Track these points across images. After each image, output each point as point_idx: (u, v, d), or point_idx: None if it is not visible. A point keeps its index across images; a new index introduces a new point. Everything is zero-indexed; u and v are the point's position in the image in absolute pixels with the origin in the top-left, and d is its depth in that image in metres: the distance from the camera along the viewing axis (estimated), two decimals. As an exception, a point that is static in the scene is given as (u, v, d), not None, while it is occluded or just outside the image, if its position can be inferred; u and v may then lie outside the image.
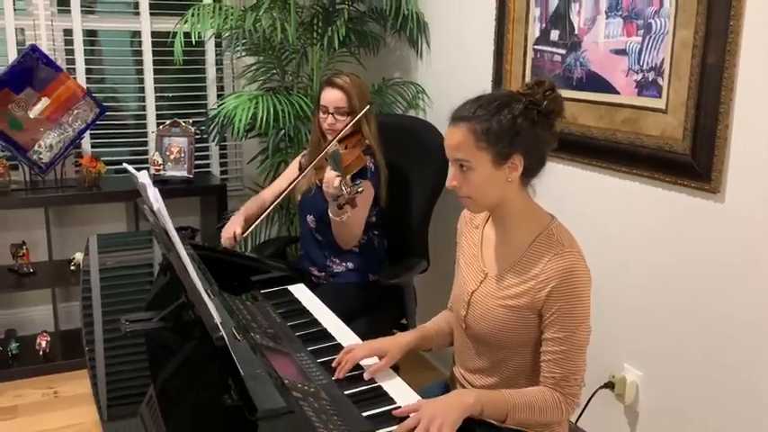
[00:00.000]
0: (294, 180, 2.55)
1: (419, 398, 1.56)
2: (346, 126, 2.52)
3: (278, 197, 2.55)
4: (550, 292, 1.49)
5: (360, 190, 2.20)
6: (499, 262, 1.61)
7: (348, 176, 2.21)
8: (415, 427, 1.39)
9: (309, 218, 2.65)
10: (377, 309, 2.62)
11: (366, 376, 1.63)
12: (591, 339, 1.54)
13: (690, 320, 2.06)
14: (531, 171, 1.54)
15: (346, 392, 1.57)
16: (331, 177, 2.23)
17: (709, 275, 1.98)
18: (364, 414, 1.48)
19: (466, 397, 1.48)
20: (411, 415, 1.43)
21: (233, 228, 2.62)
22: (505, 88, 1.58)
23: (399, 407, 1.51)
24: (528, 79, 2.55)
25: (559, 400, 1.52)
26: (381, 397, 1.57)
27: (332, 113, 2.55)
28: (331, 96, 2.55)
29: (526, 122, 1.48)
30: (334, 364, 1.66)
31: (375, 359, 1.67)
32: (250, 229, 2.58)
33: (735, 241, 1.91)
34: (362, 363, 1.67)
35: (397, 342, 1.70)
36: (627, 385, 2.25)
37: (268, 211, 2.56)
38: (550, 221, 1.58)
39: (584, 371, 1.53)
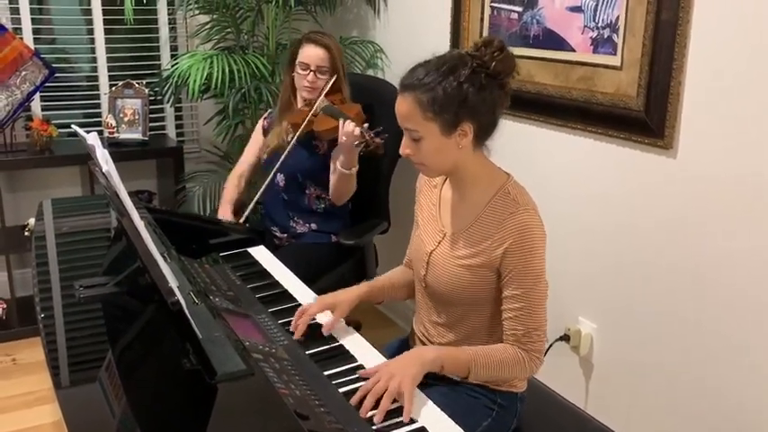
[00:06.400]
0: (289, 143, 2.54)
1: (378, 354, 1.57)
2: (328, 83, 2.54)
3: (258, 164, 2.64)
4: (507, 249, 1.50)
5: (386, 135, 2.30)
6: (457, 222, 1.61)
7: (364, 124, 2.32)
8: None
9: (279, 176, 2.62)
10: (338, 269, 2.63)
11: (324, 332, 1.64)
12: (548, 293, 1.57)
13: (641, 274, 2.11)
14: (482, 134, 1.52)
15: (308, 352, 1.58)
16: (351, 127, 2.32)
17: (661, 230, 2.03)
18: (326, 373, 1.49)
19: (426, 353, 1.49)
20: (371, 376, 1.44)
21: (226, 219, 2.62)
22: (458, 49, 1.54)
23: (360, 364, 1.53)
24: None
25: (523, 357, 1.53)
26: (343, 355, 1.58)
27: (314, 71, 2.53)
28: (314, 53, 2.53)
29: (473, 88, 1.44)
30: (291, 328, 1.66)
31: (328, 314, 1.68)
32: (249, 209, 2.57)
33: (686, 196, 1.95)
34: (319, 320, 1.68)
35: (347, 295, 1.71)
36: (582, 337, 2.31)
37: (267, 182, 2.57)
38: (506, 180, 1.58)
39: (545, 326, 1.54)
